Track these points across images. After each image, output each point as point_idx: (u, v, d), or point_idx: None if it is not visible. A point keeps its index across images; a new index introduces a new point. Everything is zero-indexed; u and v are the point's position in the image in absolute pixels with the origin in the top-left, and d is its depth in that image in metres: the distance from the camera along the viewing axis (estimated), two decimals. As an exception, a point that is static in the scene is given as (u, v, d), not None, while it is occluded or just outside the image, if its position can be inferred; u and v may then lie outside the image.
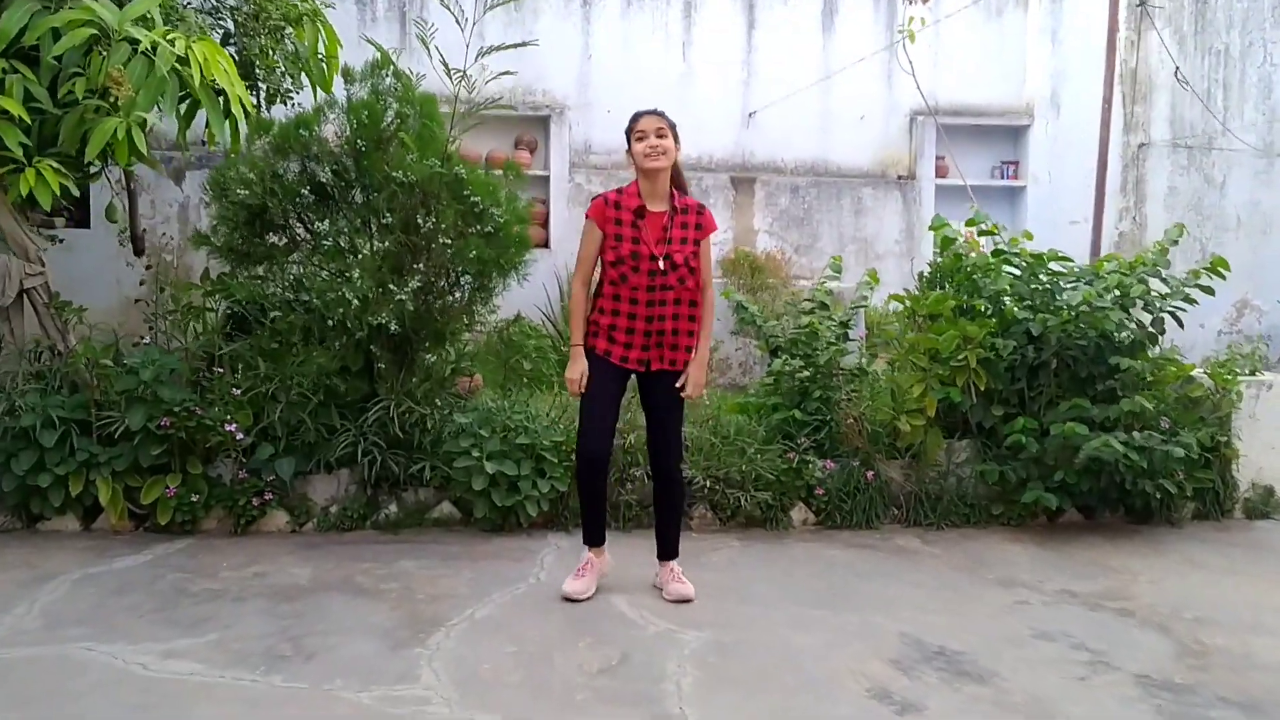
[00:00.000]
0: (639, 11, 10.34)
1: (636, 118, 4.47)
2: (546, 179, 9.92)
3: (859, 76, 10.37)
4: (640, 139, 4.40)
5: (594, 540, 4.67)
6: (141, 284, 6.98)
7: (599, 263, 4.46)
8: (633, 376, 4.57)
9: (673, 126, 4.45)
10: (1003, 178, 10.81)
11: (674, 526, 4.69)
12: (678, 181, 4.54)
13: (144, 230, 7.42)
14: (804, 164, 10.58)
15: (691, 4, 10.41)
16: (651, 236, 4.38)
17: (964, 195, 9.30)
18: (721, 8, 10.40)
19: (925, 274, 6.71)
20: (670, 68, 10.32)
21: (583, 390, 4.44)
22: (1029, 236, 6.11)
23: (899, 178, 10.64)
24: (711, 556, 5.13)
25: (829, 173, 10.58)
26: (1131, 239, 10.65)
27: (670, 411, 4.55)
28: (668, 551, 4.69)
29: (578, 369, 4.43)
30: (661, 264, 4.34)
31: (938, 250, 9.90)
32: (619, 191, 4.50)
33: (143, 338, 6.01)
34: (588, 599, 4.54)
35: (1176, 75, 9.35)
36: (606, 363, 4.46)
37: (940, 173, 10.58)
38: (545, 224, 9.75)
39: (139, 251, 7.15)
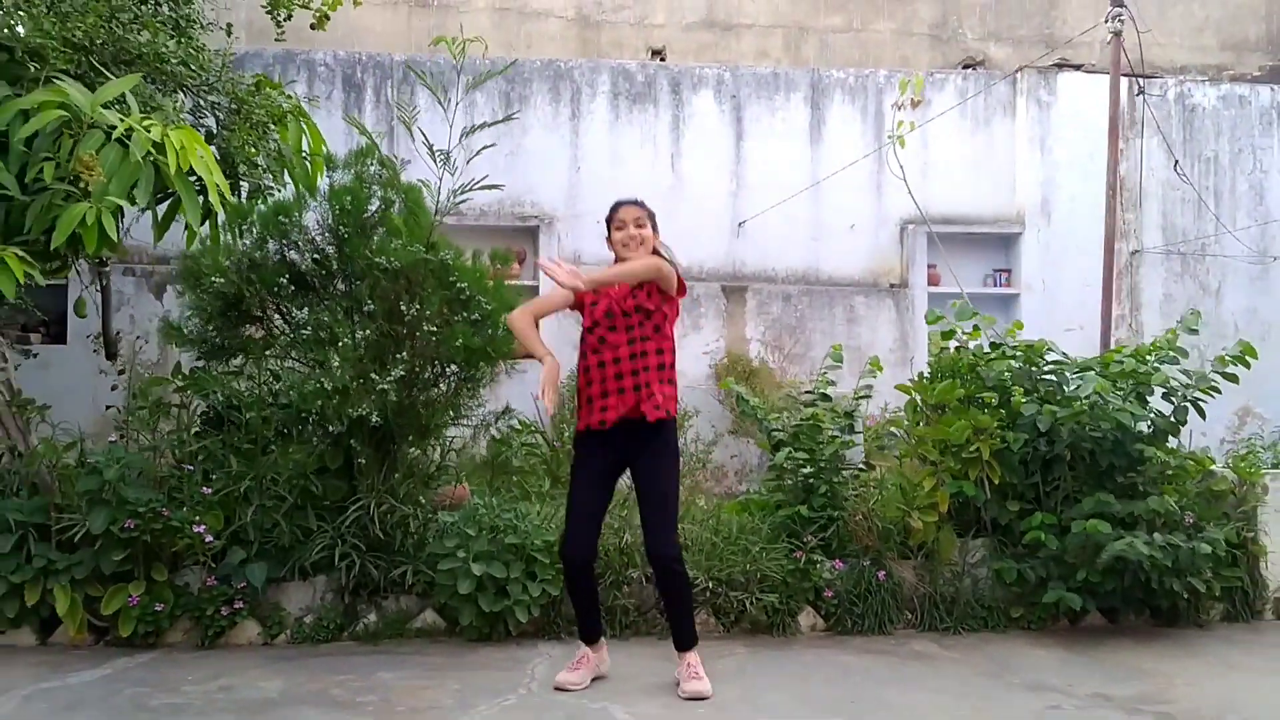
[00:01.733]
0: (627, 125, 10.32)
1: (617, 207, 4.53)
2: (535, 289, 9.73)
3: (848, 186, 10.32)
4: (620, 229, 4.48)
5: (587, 637, 4.52)
6: (114, 389, 6.71)
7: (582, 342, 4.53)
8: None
9: (651, 216, 4.53)
10: (996, 285, 10.67)
11: (683, 614, 4.44)
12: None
13: (117, 333, 7.16)
14: (795, 273, 10.45)
15: (680, 116, 10.41)
16: (618, 294, 4.44)
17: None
18: (710, 120, 10.40)
19: (924, 374, 6.50)
20: (659, 179, 10.24)
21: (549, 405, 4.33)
22: (1019, 326, 5.90)
23: (891, 286, 10.50)
24: (717, 664, 4.74)
25: (820, 281, 10.44)
26: (1128, 346, 10.51)
27: (654, 481, 4.38)
28: (681, 641, 4.44)
29: (550, 372, 4.34)
30: (635, 316, 4.38)
31: (933, 357, 9.74)
32: None
33: (116, 443, 5.69)
34: (583, 689, 4.37)
35: (1176, 168, 9.28)
36: (593, 449, 4.43)
37: (932, 281, 10.44)
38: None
39: (111, 355, 6.89)
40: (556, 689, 4.34)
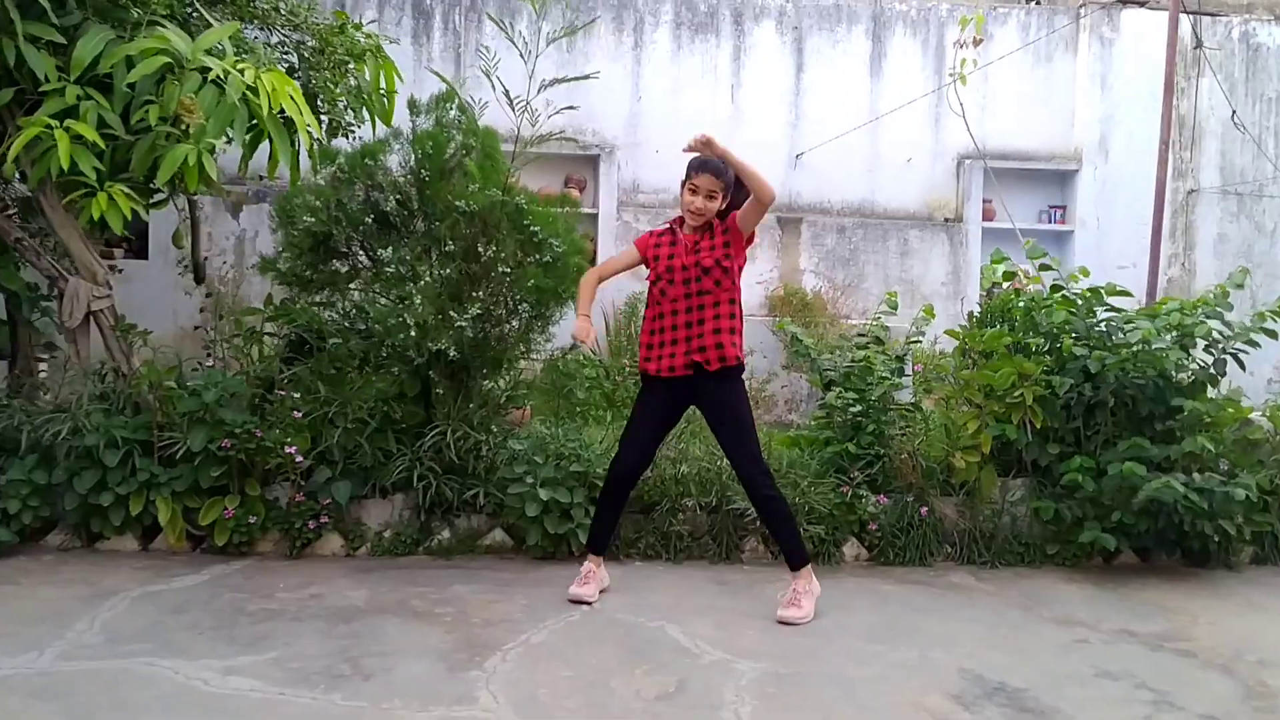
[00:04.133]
0: (689, 54, 10.46)
1: (699, 169, 4.65)
2: (595, 216, 10.01)
3: (906, 120, 10.43)
4: (692, 192, 4.66)
5: (597, 547, 4.92)
6: (201, 311, 7.10)
7: (648, 293, 4.82)
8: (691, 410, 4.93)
9: (728, 185, 4.66)
10: (1050, 222, 10.80)
11: (786, 536, 4.80)
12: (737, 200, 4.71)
13: (205, 259, 7.54)
14: (850, 205, 10.63)
15: (741, 47, 10.52)
16: (682, 250, 4.69)
17: (1011, 238, 9.33)
18: (770, 51, 10.51)
19: (975, 313, 6.72)
20: (719, 109, 10.42)
21: (587, 344, 4.76)
22: (1085, 273, 6.06)
23: (945, 220, 10.66)
24: (765, 589, 5.10)
25: (875, 214, 10.63)
26: (1180, 285, 10.61)
27: (733, 423, 4.70)
28: (791, 562, 4.81)
29: (582, 327, 4.67)
30: (693, 270, 4.63)
31: (984, 291, 9.83)
32: (665, 225, 4.88)
33: (203, 362, 6.08)
34: (593, 604, 4.78)
35: (1233, 118, 9.25)
36: (656, 388, 4.75)
37: (987, 216, 10.59)
38: (593, 261, 9.75)
39: (199, 279, 7.27)
40: (572, 601, 4.76)
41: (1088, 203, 10.71)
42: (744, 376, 4.85)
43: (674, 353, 4.66)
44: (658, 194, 10.23)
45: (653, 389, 4.78)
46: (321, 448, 5.39)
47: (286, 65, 6.41)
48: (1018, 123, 10.66)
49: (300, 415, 5.33)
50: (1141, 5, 10.69)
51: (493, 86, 5.19)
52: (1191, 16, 9.91)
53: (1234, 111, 9.56)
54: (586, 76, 5.47)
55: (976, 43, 8.55)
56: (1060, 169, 10.76)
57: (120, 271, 7.98)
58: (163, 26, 5.20)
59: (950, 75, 8.50)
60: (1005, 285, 6.42)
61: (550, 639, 4.34)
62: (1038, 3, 11.41)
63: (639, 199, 10.26)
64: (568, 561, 5.37)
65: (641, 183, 10.29)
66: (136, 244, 9.30)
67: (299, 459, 5.26)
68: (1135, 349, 5.56)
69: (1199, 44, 9.36)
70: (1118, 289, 5.99)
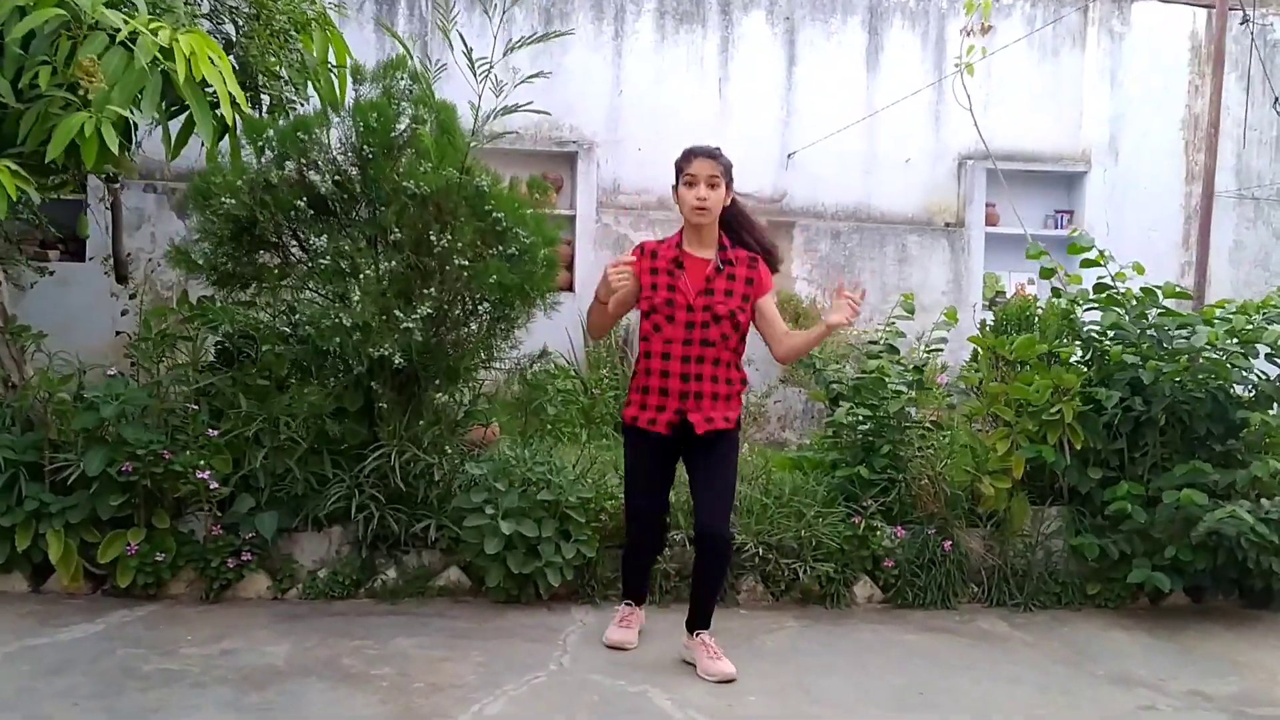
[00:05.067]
0: (673, 45, 9.72)
1: (689, 157, 3.96)
2: (572, 218, 9.23)
3: (905, 118, 9.71)
4: (690, 184, 3.91)
5: (635, 595, 4.29)
6: (124, 314, 6.29)
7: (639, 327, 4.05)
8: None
9: (727, 170, 3.97)
10: (1057, 227, 10.07)
11: (710, 594, 4.05)
12: (745, 223, 4.08)
13: (129, 255, 6.72)
14: (845, 208, 9.90)
15: (729, 38, 9.80)
16: (692, 285, 3.91)
17: (1016, 244, 8.60)
18: (761, 43, 9.78)
19: (987, 321, 5.99)
20: (705, 104, 9.69)
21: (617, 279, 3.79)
22: (1140, 270, 5.27)
23: (946, 225, 9.93)
24: (766, 639, 4.32)
25: (872, 218, 9.89)
26: (1195, 295, 9.93)
27: (712, 469, 3.94)
28: (697, 621, 4.04)
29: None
30: (700, 315, 3.87)
31: (985, 301, 9.07)
32: (660, 241, 4.09)
33: (125, 372, 5.26)
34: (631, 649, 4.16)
35: (1275, 106, 8.52)
36: (644, 439, 3.99)
37: (990, 220, 9.88)
38: (570, 266, 9.01)
39: (121, 278, 6.45)
40: (610, 647, 4.09)
41: (1097, 207, 10.02)
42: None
43: (661, 404, 3.90)
44: (640, 194, 9.46)
45: (640, 444, 4.00)
46: (244, 472, 4.58)
47: (223, 39, 5.65)
48: (1022, 122, 9.96)
49: (216, 433, 4.52)
50: (1152, -3, 10.04)
51: (450, 46, 4.42)
52: (1226, 6, 9.21)
53: (1276, 99, 8.81)
54: (559, 34, 4.69)
55: (985, 30, 7.86)
56: (1067, 170, 10.08)
57: (54, 274, 7.19)
58: (61, -23, 4.43)
59: (956, 64, 7.79)
60: (1011, 295, 5.68)
61: (508, 710, 3.55)
62: (1043, -5, 10.77)
63: (620, 200, 9.49)
64: (533, 606, 4.59)
65: (623, 182, 9.52)
66: (73, 246, 8.48)
67: (214, 485, 4.44)
68: (1199, 355, 4.79)
69: (1245, 20, 8.62)
70: (1177, 289, 5.25)
